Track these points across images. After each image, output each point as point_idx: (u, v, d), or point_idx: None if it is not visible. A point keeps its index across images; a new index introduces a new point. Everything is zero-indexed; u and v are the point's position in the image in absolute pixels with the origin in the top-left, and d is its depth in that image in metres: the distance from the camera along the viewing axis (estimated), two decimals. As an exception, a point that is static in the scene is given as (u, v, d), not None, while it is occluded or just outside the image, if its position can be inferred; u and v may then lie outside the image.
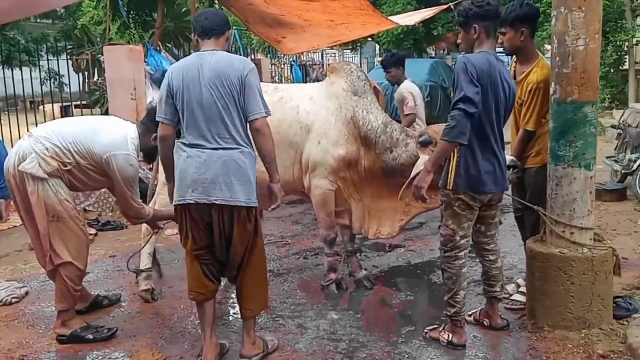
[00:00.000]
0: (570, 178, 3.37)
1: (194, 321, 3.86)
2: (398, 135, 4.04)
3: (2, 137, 7.43)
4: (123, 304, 3.94)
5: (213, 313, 3.24)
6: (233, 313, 3.99)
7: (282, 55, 12.62)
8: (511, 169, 3.47)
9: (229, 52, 3.24)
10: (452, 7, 7.97)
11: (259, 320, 3.78)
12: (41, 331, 3.79)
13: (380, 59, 18.05)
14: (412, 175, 3.66)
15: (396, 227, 4.23)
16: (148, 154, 3.72)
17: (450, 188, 3.21)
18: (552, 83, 3.40)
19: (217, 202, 3.02)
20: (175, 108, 3.10)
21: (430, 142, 3.66)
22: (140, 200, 3.70)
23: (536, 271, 3.49)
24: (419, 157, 3.72)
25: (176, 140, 3.17)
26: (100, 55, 7.49)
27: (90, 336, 3.64)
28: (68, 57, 9.00)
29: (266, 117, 3.10)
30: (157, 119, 3.17)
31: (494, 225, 3.45)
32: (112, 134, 3.58)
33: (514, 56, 3.76)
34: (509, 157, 3.46)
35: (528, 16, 3.54)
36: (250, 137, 3.12)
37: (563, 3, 3.27)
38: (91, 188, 3.71)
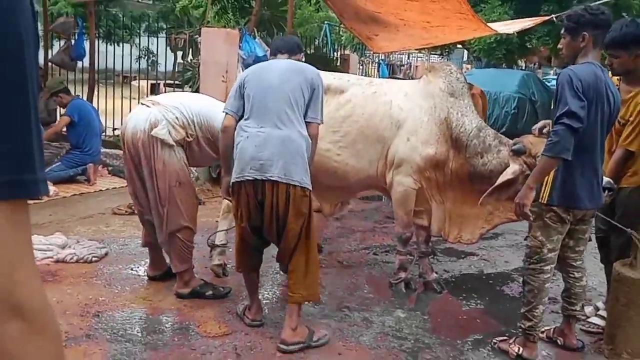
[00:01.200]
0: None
1: (262, 299, 3.92)
2: (491, 141, 3.93)
3: (98, 107, 7.84)
4: (195, 276, 4.05)
5: (257, 280, 3.60)
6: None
7: (370, 53, 12.59)
8: (606, 191, 3.29)
9: None
10: (554, 19, 7.66)
11: (325, 309, 3.79)
12: (117, 291, 3.95)
13: (468, 66, 17.70)
14: (497, 183, 3.56)
15: (477, 234, 4.13)
16: None
17: (545, 202, 3.09)
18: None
19: (272, 179, 3.10)
20: (243, 103, 3.26)
21: (524, 151, 3.54)
22: None
23: (621, 296, 3.30)
24: (509, 166, 3.61)
25: (239, 122, 3.29)
26: (197, 37, 7.72)
27: (210, 292, 3.87)
28: (167, 35, 9.34)
29: (319, 125, 3.30)
30: (223, 110, 3.36)
31: (584, 241, 3.30)
32: None
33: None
34: (605, 179, 3.28)
35: None
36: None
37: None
38: (198, 164, 3.91)
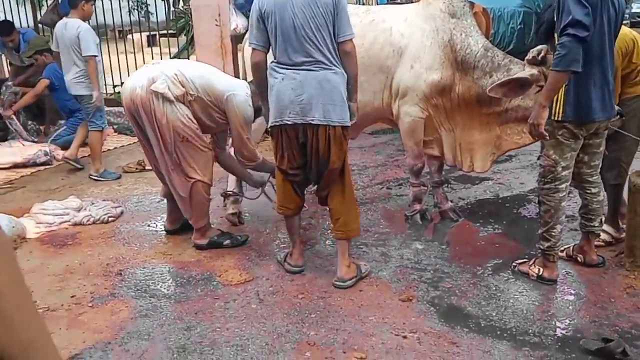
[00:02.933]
0: (686, 108, 3.07)
1: (279, 245, 3.95)
2: (500, 60, 3.77)
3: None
4: (212, 226, 4.06)
5: (299, 225, 3.59)
6: (321, 241, 4.04)
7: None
8: (618, 115, 3.19)
9: None
10: None
11: (343, 247, 3.80)
12: (136, 248, 3.99)
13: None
14: (512, 77, 3.45)
15: (488, 161, 4.05)
16: (255, 111, 3.80)
17: (559, 119, 3.00)
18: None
19: (313, 122, 3.10)
20: (267, 33, 3.15)
21: (543, 61, 3.38)
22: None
23: (638, 207, 3.27)
24: None
25: (269, 63, 3.22)
26: (185, -18, 7.47)
27: (228, 241, 3.91)
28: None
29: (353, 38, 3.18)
30: (249, 45, 3.25)
31: (599, 155, 3.22)
32: (232, 78, 3.89)
33: None
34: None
35: None
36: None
37: None
38: (205, 128, 3.80)
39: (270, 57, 3.26)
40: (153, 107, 3.59)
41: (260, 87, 3.35)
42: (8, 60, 7.19)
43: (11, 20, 8.13)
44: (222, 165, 4.19)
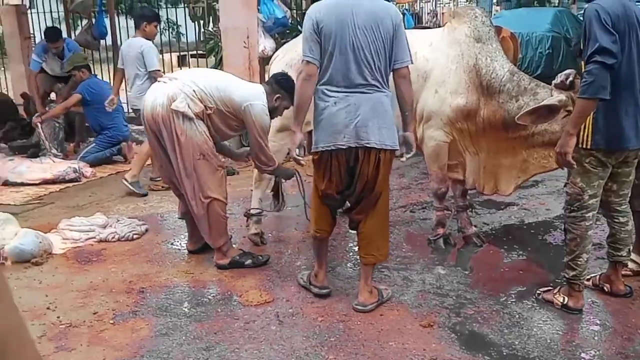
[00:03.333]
0: None
1: (300, 266, 3.94)
2: (527, 84, 3.74)
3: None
4: (234, 245, 4.09)
5: (327, 246, 3.58)
6: (344, 263, 4.02)
7: (394, 2, 12.26)
8: None
9: None
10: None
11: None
12: (159, 267, 4.02)
13: (498, 7, 17.10)
14: (540, 104, 3.41)
15: (512, 184, 4.00)
16: (270, 112, 3.82)
17: (588, 147, 2.96)
18: None
19: (368, 145, 3.05)
20: (321, 48, 3.06)
21: (571, 86, 3.34)
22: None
23: (668, 237, 3.19)
24: None
25: (318, 87, 3.14)
26: (215, 3, 7.61)
27: (249, 261, 3.93)
28: (185, 5, 9.26)
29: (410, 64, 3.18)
30: (303, 57, 3.09)
31: (628, 184, 3.16)
32: (249, 87, 3.89)
33: None
34: None
35: None
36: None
37: None
38: (226, 136, 3.92)
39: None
40: (174, 125, 3.65)
41: (303, 104, 3.14)
42: (37, 74, 7.33)
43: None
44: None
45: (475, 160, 4.02)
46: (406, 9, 13.30)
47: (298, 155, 3.25)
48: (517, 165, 3.92)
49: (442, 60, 3.91)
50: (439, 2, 21.78)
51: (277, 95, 3.79)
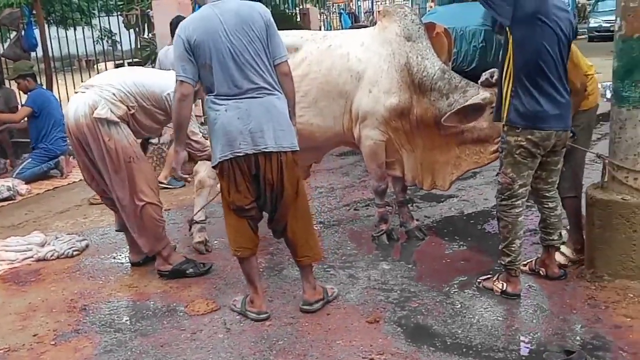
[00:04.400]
0: (635, 120, 3.17)
1: (247, 272, 3.93)
2: (457, 82, 3.83)
3: (60, 96, 7.63)
4: (174, 251, 4.03)
5: (257, 267, 3.37)
6: (282, 266, 4.03)
7: (330, 4, 12.36)
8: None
9: None
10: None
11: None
12: (101, 282, 3.93)
13: (432, 4, 17.46)
14: (465, 104, 3.52)
15: (447, 180, 4.10)
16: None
17: (507, 122, 3.07)
18: (618, 18, 3.16)
19: (266, 150, 3.00)
20: (195, 65, 3.01)
21: (494, 83, 3.45)
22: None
23: (596, 219, 3.34)
24: None
25: (207, 97, 3.11)
26: (149, 10, 7.48)
27: (191, 270, 3.87)
28: (118, 14, 9.07)
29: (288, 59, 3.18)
30: (177, 78, 3.05)
31: (556, 172, 3.29)
32: (166, 76, 3.83)
33: None
34: None
35: None
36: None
37: None
38: (153, 130, 3.91)
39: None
40: (100, 132, 3.62)
41: (180, 124, 3.15)
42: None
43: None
44: None
45: (412, 157, 4.10)
46: (342, 9, 13.43)
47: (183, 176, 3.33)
48: (451, 161, 4.02)
49: (375, 60, 3.97)
50: (375, 1, 22.02)
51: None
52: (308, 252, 3.30)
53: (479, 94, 3.52)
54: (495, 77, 3.41)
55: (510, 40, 3.02)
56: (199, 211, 4.32)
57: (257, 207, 3.20)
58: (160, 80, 3.78)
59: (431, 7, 16.87)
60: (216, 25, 2.98)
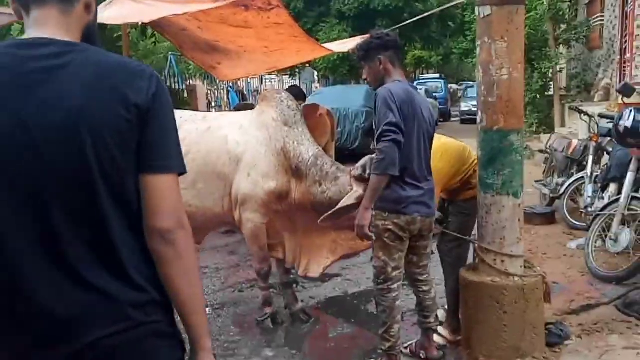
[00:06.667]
0: (499, 206, 3.38)
1: None
2: (329, 168, 3.90)
3: None
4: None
5: None
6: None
7: (219, 81, 12.50)
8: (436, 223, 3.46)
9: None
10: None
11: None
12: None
13: (317, 85, 18.23)
14: (338, 206, 3.56)
15: (322, 265, 4.12)
16: None
17: (375, 207, 3.16)
18: (479, 112, 3.43)
19: None
20: None
21: (365, 178, 3.56)
22: None
23: (470, 300, 3.48)
24: (348, 192, 3.62)
25: None
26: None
27: None
28: None
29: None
30: None
31: (426, 255, 3.43)
32: None
33: None
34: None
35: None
36: None
37: (486, 33, 3.31)
38: None
39: None
40: None
41: None
42: None
43: None
44: None
45: (293, 239, 4.10)
46: (230, 86, 13.61)
47: None
48: (327, 245, 4.07)
49: (253, 143, 3.97)
50: (264, 79, 22.55)
51: None
52: None
53: (353, 192, 3.54)
54: (368, 171, 3.46)
55: None
56: None
57: None
58: None
59: (317, 87, 17.62)
60: None
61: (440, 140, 3.59)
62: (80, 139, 1.23)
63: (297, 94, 6.55)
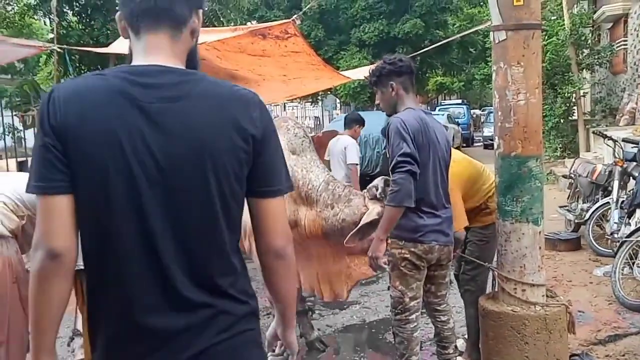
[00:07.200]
0: (518, 234, 3.29)
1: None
2: (341, 191, 3.83)
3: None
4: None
5: None
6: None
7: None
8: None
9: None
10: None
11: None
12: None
13: (338, 112, 18.30)
14: (362, 222, 3.50)
15: (344, 290, 4.05)
16: None
17: (390, 236, 3.10)
18: (496, 137, 3.37)
19: None
20: None
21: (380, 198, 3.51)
22: None
23: (489, 330, 3.36)
24: (362, 213, 3.57)
25: None
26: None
27: None
28: (14, 113, 8.76)
29: None
30: None
31: (445, 285, 3.34)
32: None
33: None
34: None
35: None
36: None
37: (502, 58, 3.26)
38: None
39: None
40: None
41: None
42: None
43: None
44: None
45: (307, 267, 4.04)
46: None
47: None
48: (343, 270, 4.00)
49: None
50: (287, 106, 22.70)
51: None
52: None
53: (372, 209, 3.51)
54: (380, 191, 3.43)
55: None
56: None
57: None
58: None
59: (337, 114, 17.67)
60: None
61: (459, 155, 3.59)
62: (204, 169, 1.33)
63: (357, 119, 7.09)
